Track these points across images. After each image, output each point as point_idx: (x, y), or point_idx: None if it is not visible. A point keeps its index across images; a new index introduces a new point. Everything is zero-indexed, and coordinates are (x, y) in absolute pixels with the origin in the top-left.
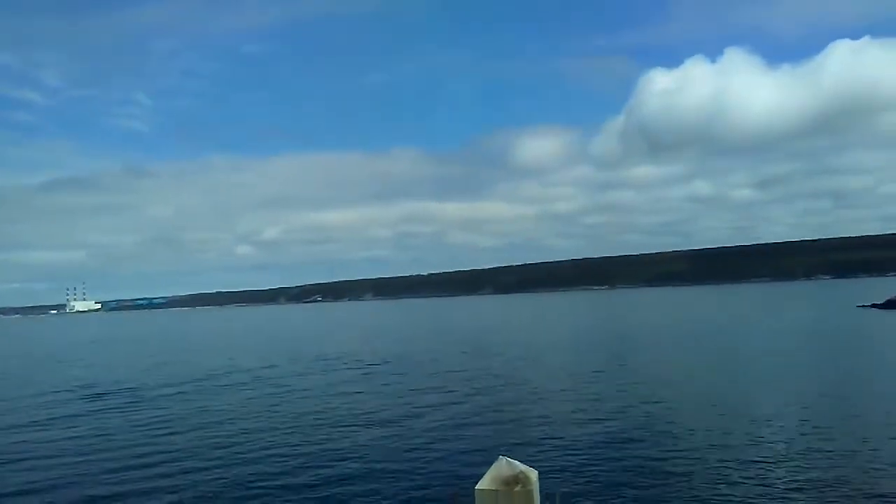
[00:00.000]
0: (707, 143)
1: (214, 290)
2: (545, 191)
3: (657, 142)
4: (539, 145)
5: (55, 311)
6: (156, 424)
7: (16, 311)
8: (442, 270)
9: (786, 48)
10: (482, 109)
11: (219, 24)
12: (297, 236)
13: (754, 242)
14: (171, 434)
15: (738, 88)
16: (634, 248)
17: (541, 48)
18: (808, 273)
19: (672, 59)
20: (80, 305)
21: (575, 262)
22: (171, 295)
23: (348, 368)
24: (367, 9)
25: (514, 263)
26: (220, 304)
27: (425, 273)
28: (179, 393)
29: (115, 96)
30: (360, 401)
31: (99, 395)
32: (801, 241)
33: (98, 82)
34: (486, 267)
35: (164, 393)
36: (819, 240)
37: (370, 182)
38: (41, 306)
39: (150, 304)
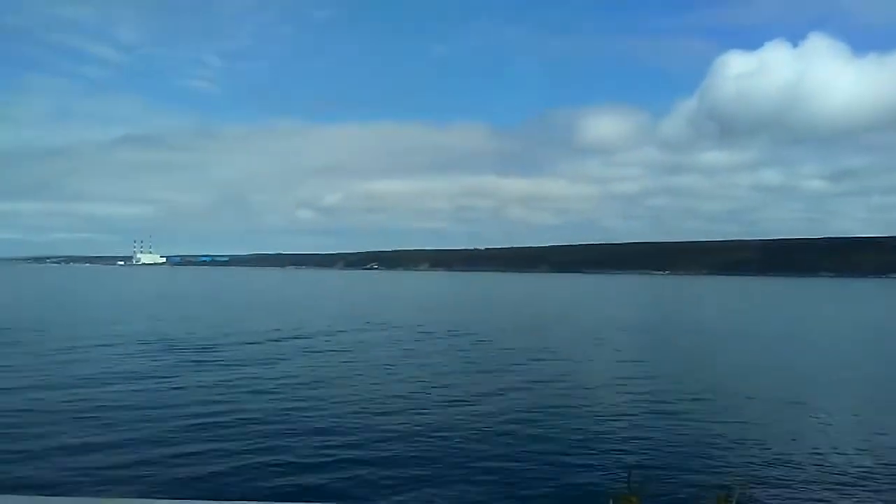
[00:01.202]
0: (780, 130)
1: (274, 252)
2: (608, 171)
3: (729, 126)
4: (604, 124)
5: (122, 263)
6: (239, 383)
7: (86, 259)
8: (499, 246)
9: (874, 36)
10: (546, 86)
11: None
12: (357, 203)
13: (823, 236)
14: (257, 393)
15: (819, 75)
16: (697, 235)
17: (608, 26)
18: (880, 270)
19: (751, 41)
20: (145, 258)
21: (635, 245)
22: (233, 253)
23: (424, 338)
24: None
25: (573, 243)
26: (281, 266)
27: (482, 247)
28: (261, 351)
29: (188, 56)
30: (439, 371)
31: (174, 349)
32: (874, 237)
33: (172, 41)
34: (544, 245)
35: (245, 350)
36: (892, 237)
37: (431, 154)
38: (109, 257)
39: (213, 261)
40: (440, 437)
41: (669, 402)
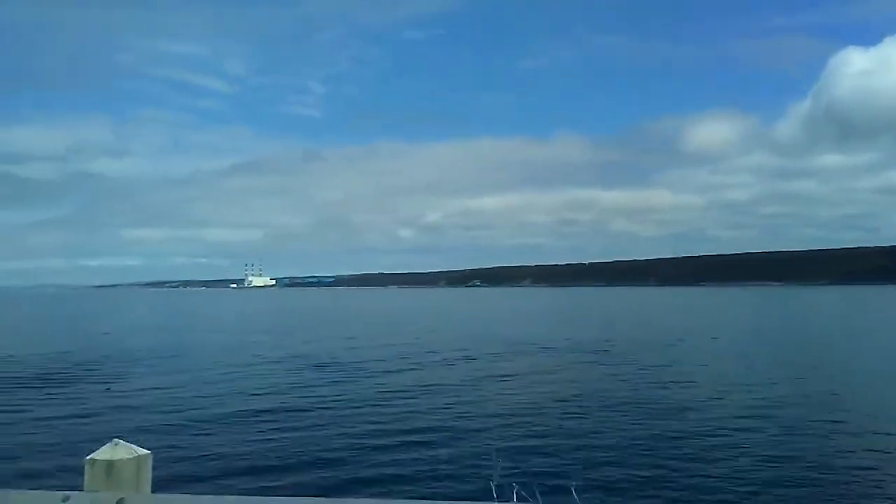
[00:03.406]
0: None
1: (377, 271)
2: (715, 179)
3: (848, 127)
4: (710, 131)
5: (235, 286)
6: (386, 397)
7: (201, 283)
8: (602, 260)
9: None
10: (647, 94)
11: (381, 11)
12: (457, 221)
13: None
14: (402, 407)
15: None
16: (814, 243)
17: (708, 29)
18: None
19: (869, 36)
20: (256, 281)
21: (745, 256)
22: (337, 274)
23: (549, 352)
24: None
25: (679, 255)
26: (384, 285)
27: (586, 262)
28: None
29: (291, 84)
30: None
31: (317, 367)
32: None
33: (276, 70)
34: (650, 258)
35: (385, 367)
36: None
37: (531, 168)
38: (223, 280)
39: (319, 282)
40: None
41: None
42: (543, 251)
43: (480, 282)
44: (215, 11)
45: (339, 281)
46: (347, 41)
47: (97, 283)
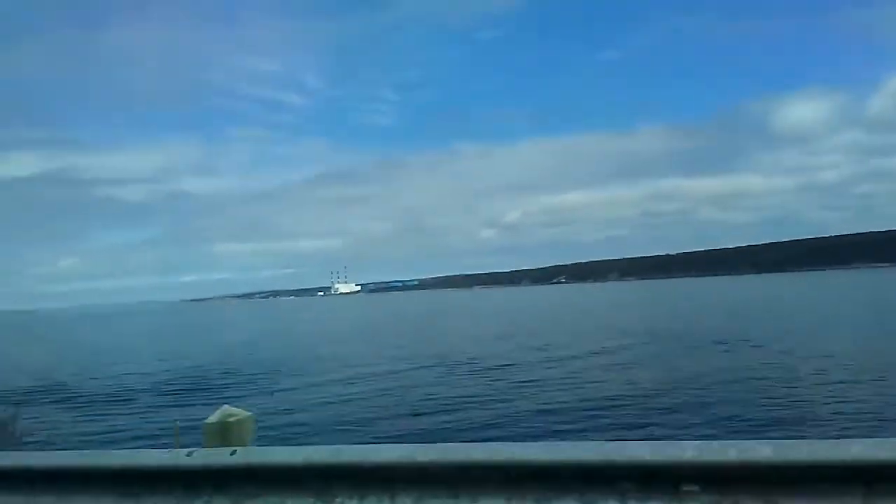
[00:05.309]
0: None
1: (459, 273)
2: (807, 160)
3: None
4: (799, 110)
5: (322, 293)
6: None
7: (290, 293)
8: (691, 250)
9: None
10: (730, 76)
11: (451, 13)
12: (539, 219)
13: None
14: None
15: None
16: None
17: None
18: None
19: None
20: (343, 287)
21: (845, 238)
22: (420, 277)
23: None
24: None
25: (772, 241)
26: (468, 286)
27: (673, 252)
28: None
29: (366, 93)
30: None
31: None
32: None
33: (350, 81)
34: (740, 245)
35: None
36: None
37: (612, 162)
38: (310, 288)
39: (404, 286)
40: None
41: None
42: (629, 244)
43: (566, 278)
44: (291, 25)
45: (422, 284)
46: (418, 46)
47: (190, 298)
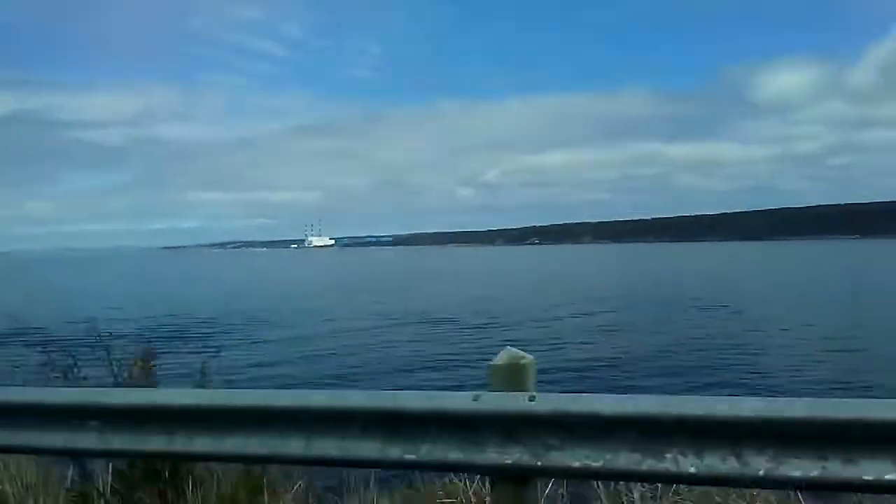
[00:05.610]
0: None
1: (433, 231)
2: (786, 129)
3: None
4: (781, 79)
5: (295, 246)
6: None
7: (262, 244)
8: (666, 215)
9: None
10: (715, 42)
11: None
12: (517, 178)
13: None
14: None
15: None
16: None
17: None
18: None
19: None
20: (316, 241)
21: (818, 209)
22: (394, 233)
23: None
24: None
25: (747, 209)
26: (441, 244)
27: (648, 217)
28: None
29: (349, 45)
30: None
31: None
32: None
33: (334, 33)
34: (716, 213)
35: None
36: None
37: (593, 123)
38: (283, 241)
39: (378, 242)
40: None
41: None
42: (605, 207)
43: (539, 239)
44: None
45: (396, 240)
46: (405, 1)
47: (164, 245)
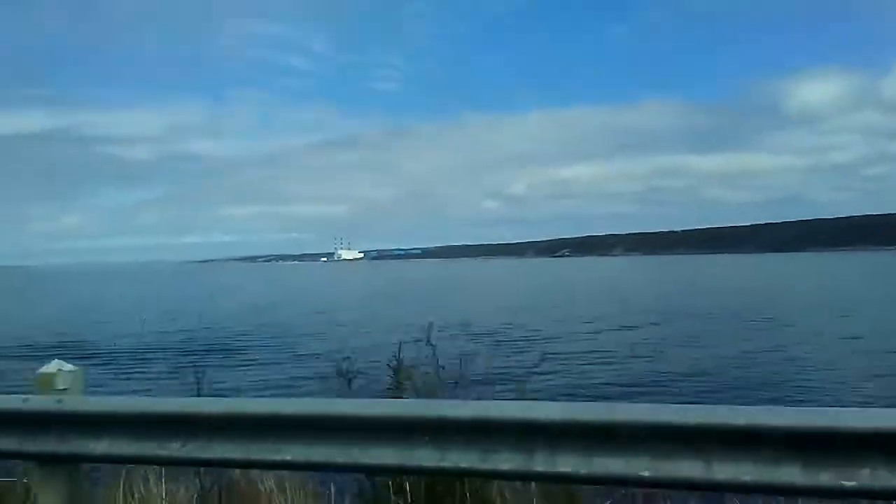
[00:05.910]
0: None
1: (461, 243)
2: (817, 140)
3: None
4: (812, 90)
5: (325, 259)
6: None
7: (292, 257)
8: (695, 227)
9: None
10: (742, 54)
11: None
12: (544, 191)
13: None
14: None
15: None
16: None
17: None
18: None
19: None
20: (345, 254)
21: (852, 220)
22: (423, 246)
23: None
24: None
25: (777, 220)
26: (472, 256)
27: (678, 229)
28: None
29: (374, 60)
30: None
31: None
32: None
33: (359, 48)
34: (745, 224)
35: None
36: None
37: (620, 136)
38: (313, 254)
39: (406, 254)
40: None
41: None
42: (634, 219)
43: (569, 251)
44: None
45: (425, 253)
46: (429, 17)
47: (195, 259)
